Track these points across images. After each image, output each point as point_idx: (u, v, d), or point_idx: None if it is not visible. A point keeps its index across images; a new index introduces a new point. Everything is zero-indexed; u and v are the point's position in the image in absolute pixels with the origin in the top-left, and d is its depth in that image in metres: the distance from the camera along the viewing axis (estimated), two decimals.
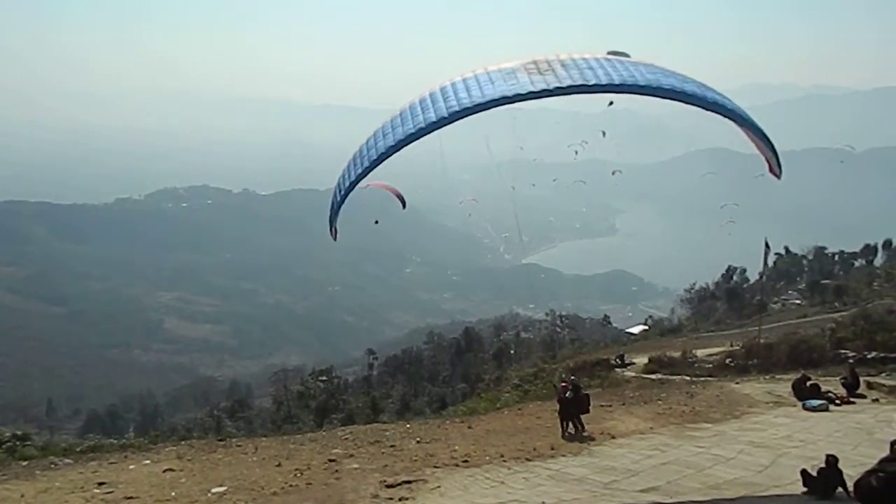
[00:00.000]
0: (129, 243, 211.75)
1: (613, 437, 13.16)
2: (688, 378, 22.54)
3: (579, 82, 8.02)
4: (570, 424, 13.72)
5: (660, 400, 17.45)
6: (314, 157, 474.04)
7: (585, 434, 13.45)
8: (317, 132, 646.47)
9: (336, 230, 10.21)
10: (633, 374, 26.27)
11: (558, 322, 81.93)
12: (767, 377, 21.01)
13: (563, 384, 14.78)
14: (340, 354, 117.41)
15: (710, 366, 24.87)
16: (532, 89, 7.95)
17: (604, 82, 8.17)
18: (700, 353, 29.53)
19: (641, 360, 30.12)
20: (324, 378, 57.43)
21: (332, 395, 53.44)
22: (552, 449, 12.11)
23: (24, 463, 11.11)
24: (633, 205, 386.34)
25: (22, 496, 9.29)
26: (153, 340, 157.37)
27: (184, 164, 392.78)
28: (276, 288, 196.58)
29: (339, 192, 9.74)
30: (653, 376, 24.25)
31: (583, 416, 13.76)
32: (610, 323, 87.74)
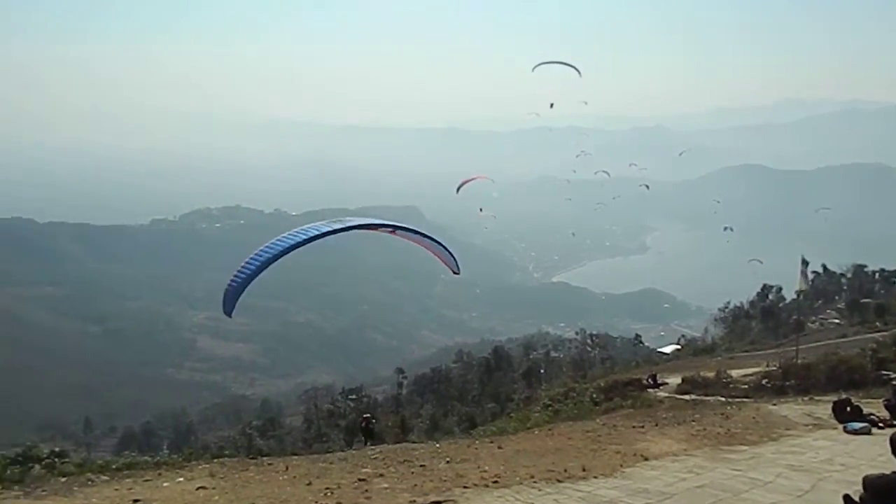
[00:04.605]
0: (164, 263, 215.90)
1: (646, 459, 12.92)
2: (722, 399, 22.08)
3: (356, 223, 12.80)
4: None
5: (694, 421, 17.11)
6: (342, 177, 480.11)
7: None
8: (343, 152, 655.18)
9: (232, 311, 12.61)
10: (666, 394, 25.84)
11: (588, 341, 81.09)
12: (806, 398, 20.49)
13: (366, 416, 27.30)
14: (369, 373, 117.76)
15: (746, 386, 24.35)
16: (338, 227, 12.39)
17: (368, 223, 13.50)
18: (735, 373, 28.95)
19: (674, 380, 29.64)
20: (353, 397, 57.72)
21: (362, 413, 53.53)
22: (583, 470, 11.93)
23: (63, 479, 11.30)
24: (665, 222, 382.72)
25: None
26: (187, 359, 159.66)
27: (217, 185, 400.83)
28: (305, 307, 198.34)
29: (238, 281, 12.31)
30: (686, 397, 23.81)
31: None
32: (641, 342, 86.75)
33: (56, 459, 12.51)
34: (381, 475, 11.81)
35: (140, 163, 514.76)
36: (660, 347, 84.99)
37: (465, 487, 10.80)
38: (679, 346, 78.98)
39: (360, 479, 11.41)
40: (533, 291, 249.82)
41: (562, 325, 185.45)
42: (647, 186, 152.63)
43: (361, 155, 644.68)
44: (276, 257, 11.90)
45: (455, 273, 14.75)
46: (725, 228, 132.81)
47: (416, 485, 11.02)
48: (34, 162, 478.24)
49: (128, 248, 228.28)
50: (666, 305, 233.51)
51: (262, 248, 12.22)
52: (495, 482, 11.13)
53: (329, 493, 10.50)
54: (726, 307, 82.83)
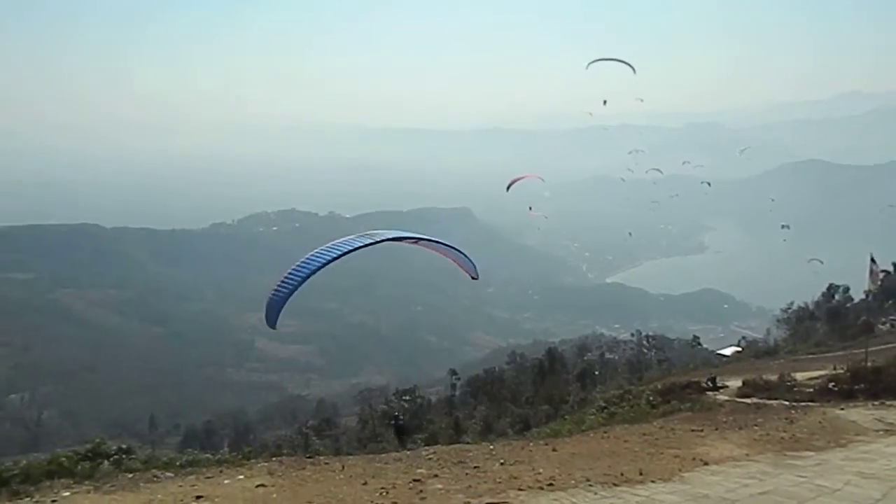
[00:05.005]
0: (223, 266, 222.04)
1: (706, 464, 12.60)
2: (786, 403, 21.32)
3: (384, 237, 13.84)
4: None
5: (756, 425, 16.60)
6: (395, 180, 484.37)
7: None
8: (397, 155, 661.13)
9: (275, 323, 13.40)
10: (727, 397, 25.08)
11: (644, 342, 79.50)
12: (876, 403, 19.61)
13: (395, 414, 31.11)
14: (423, 374, 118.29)
15: (811, 390, 23.36)
16: (369, 241, 13.42)
17: (395, 237, 14.51)
18: (799, 376, 27.84)
19: (735, 382, 28.69)
20: (407, 398, 58.07)
21: (416, 414, 53.80)
22: (641, 474, 11.72)
23: (130, 475, 11.73)
24: (723, 221, 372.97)
25: None
26: (245, 360, 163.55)
27: (273, 191, 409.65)
28: (359, 308, 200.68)
29: (283, 292, 12.94)
30: (748, 400, 23.05)
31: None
32: (700, 344, 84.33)
33: (123, 456, 12.98)
34: (436, 476, 11.87)
35: (198, 170, 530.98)
36: (719, 349, 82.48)
37: (519, 490, 10.75)
38: (739, 348, 76.57)
39: (414, 480, 11.49)
40: (587, 292, 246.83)
41: (616, 326, 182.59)
42: (709, 184, 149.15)
43: (414, 157, 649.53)
44: (313, 273, 12.80)
45: (473, 278, 15.91)
46: (783, 226, 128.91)
47: (470, 486, 11.03)
48: (98, 172, 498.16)
49: (188, 251, 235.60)
50: (725, 306, 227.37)
51: (299, 262, 13.01)
52: (550, 485, 11.04)
53: (384, 493, 10.61)
54: (789, 308, 79.94)
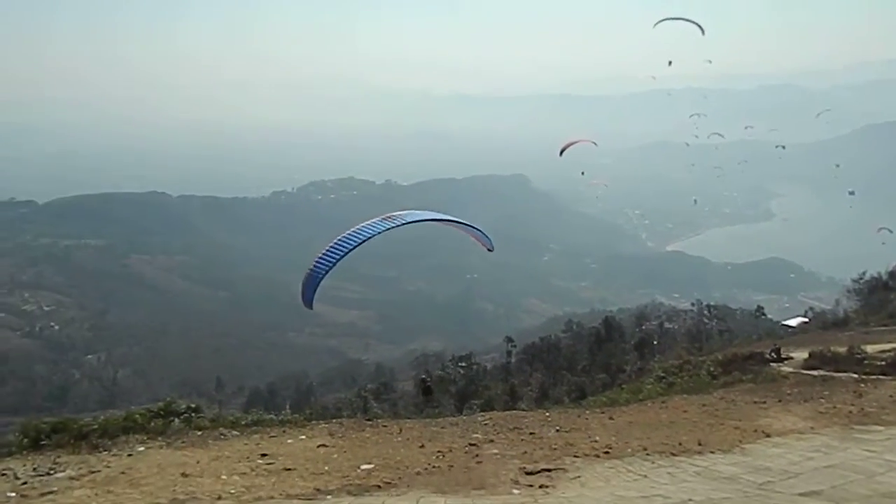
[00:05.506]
0: (284, 233, 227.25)
1: (768, 436, 12.32)
2: (855, 375, 20.58)
3: (408, 220, 14.26)
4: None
5: (822, 398, 16.10)
6: (452, 147, 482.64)
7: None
8: (454, 122, 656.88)
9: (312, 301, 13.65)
10: (791, 369, 24.38)
11: (705, 312, 77.77)
12: None
13: (423, 377, 32.97)
14: (479, 341, 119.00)
15: (883, 363, 22.45)
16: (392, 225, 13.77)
17: (423, 218, 15.16)
18: (870, 348, 26.78)
19: (800, 354, 27.84)
20: (463, 364, 58.60)
21: (472, 380, 54.32)
22: (699, 445, 11.56)
23: (199, 433, 12.31)
24: (793, 188, 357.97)
25: (198, 462, 10.32)
26: (306, 324, 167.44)
27: (331, 158, 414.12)
28: (416, 276, 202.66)
29: (318, 273, 13.35)
30: (814, 372, 22.35)
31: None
32: (764, 314, 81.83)
33: (192, 414, 13.58)
34: (492, 441, 12.00)
35: (259, 140, 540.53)
36: (784, 320, 79.92)
37: (575, 457, 10.77)
38: (806, 319, 74.02)
39: (470, 444, 11.65)
40: (646, 261, 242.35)
41: (676, 295, 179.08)
42: (784, 147, 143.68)
43: (472, 125, 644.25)
44: (345, 254, 13.43)
45: (489, 250, 16.44)
46: (850, 193, 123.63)
47: (525, 452, 11.12)
48: (163, 142, 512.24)
49: (251, 218, 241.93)
50: (792, 275, 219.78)
51: (328, 248, 13.52)
52: (606, 453, 11.02)
53: (441, 456, 10.81)
54: (861, 277, 76.55)
